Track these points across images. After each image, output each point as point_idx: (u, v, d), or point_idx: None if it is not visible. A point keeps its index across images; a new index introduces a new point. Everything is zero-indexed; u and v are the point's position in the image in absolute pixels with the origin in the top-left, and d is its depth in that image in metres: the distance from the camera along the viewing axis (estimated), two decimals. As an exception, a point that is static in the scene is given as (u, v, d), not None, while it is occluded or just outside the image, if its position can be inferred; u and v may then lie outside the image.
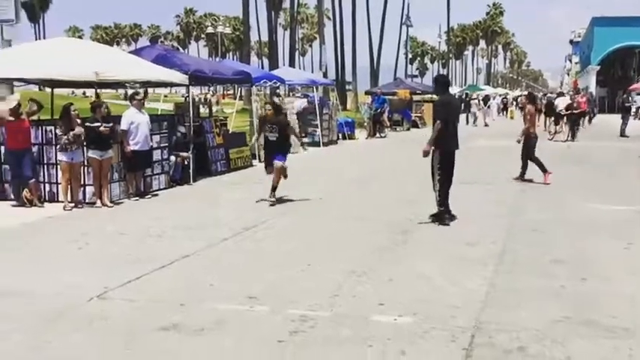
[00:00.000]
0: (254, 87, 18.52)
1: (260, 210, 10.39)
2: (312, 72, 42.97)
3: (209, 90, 44.24)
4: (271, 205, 10.62)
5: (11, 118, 10.68)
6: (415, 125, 32.96)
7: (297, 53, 64.52)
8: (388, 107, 28.83)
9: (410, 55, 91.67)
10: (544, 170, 13.25)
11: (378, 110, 27.49)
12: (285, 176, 11.05)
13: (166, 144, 12.94)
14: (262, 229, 9.07)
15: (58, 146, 10.72)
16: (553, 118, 25.98)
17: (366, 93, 38.11)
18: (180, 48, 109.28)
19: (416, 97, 36.62)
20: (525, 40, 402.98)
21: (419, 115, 34.34)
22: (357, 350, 4.75)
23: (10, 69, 11.67)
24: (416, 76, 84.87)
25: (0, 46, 14.09)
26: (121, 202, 11.26)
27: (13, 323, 5.23)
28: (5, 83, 12.86)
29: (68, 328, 5.19)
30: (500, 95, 56.92)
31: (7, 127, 10.80)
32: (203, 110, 27.61)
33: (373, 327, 5.17)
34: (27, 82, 13.52)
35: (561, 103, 25.88)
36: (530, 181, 13.26)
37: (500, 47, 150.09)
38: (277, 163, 10.77)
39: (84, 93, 46.37)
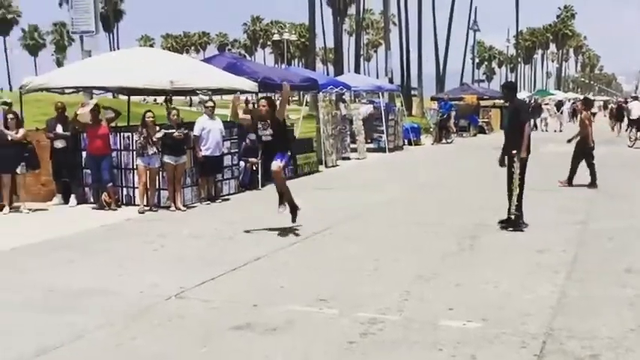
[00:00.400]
0: (320, 93, 18.73)
1: (326, 215, 10.54)
2: (378, 78, 43.03)
3: (273, 96, 44.88)
4: (281, 212, 9.19)
5: (91, 122, 11.25)
6: (482, 131, 32.51)
7: (362, 59, 64.60)
8: (455, 113, 28.60)
9: (477, 60, 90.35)
10: (570, 178, 13.27)
11: (445, 116, 27.29)
12: (280, 180, 9.23)
13: (236, 150, 13.29)
14: (328, 234, 9.22)
15: (135, 151, 11.21)
16: (630, 125, 25.13)
17: (432, 98, 37.85)
18: (247, 55, 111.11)
19: (483, 103, 36.14)
20: (598, 43, 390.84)
21: (486, 120, 33.86)
22: (426, 353, 4.81)
23: (91, 78, 12.27)
24: (483, 81, 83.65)
25: (81, 56, 14.77)
26: (194, 206, 11.63)
27: (100, 320, 5.54)
28: (86, 91, 13.49)
29: (149, 326, 5.46)
30: (570, 100, 55.41)
31: (88, 133, 11.35)
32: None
33: (442, 331, 5.22)
34: (106, 90, 14.15)
35: (636, 108, 25.02)
36: (592, 185, 13.01)
37: (571, 51, 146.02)
38: (273, 164, 8.96)
39: (155, 100, 47.87)
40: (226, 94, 16.68)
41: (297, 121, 22.10)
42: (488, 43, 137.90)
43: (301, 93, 24.11)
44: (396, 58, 49.11)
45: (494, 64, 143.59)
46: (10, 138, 10.77)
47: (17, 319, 5.58)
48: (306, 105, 29.25)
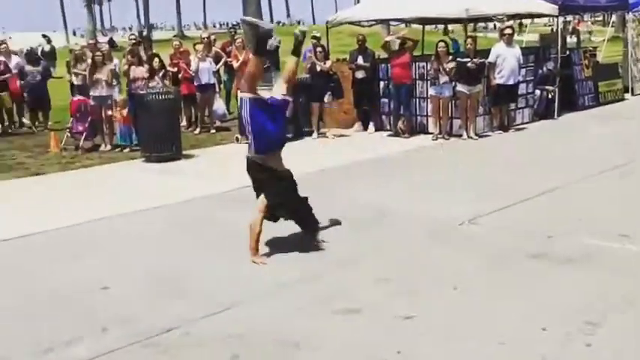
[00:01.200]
0: (630, 14, 16.90)
1: (631, 146, 9.74)
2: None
3: (574, 18, 41.43)
4: None
5: (396, 49, 11.68)
6: None
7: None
8: None
9: None
10: None
11: None
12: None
13: (532, 77, 12.82)
14: (631, 168, 8.54)
15: (428, 81, 11.49)
16: None
17: None
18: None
19: None
20: None
21: None
22: None
23: (388, 10, 12.82)
24: None
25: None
26: (486, 135, 11.62)
27: (397, 237, 6.03)
28: (383, 23, 14.11)
29: (445, 246, 5.76)
30: None
31: (391, 61, 11.74)
32: (570, 40, 26.22)
33: None
34: (402, 21, 14.60)
35: None
36: None
37: None
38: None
39: (445, 28, 47.72)
40: (523, 18, 16.04)
41: (601, 44, 20.37)
42: None
43: (605, 14, 21.94)
44: None
45: None
46: (319, 69, 11.81)
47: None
48: (611, 26, 26.73)
